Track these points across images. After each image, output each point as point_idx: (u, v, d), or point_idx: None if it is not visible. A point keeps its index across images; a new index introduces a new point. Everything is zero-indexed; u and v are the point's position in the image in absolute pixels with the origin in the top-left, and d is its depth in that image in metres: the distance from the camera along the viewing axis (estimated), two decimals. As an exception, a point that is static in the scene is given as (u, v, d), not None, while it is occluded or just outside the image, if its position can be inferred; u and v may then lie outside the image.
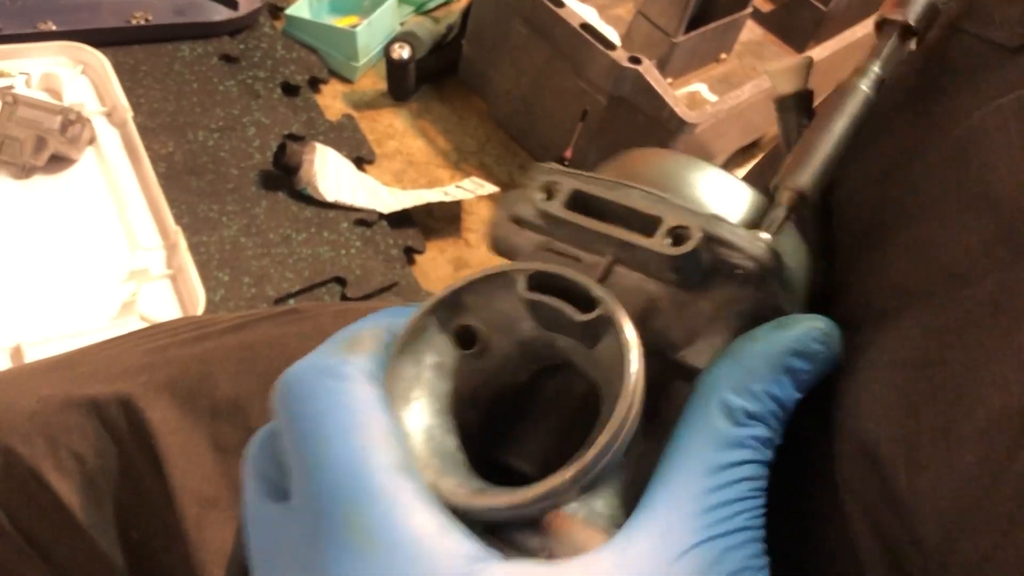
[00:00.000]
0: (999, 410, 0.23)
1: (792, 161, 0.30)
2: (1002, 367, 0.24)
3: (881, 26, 0.32)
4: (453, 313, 0.29)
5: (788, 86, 0.33)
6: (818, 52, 1.53)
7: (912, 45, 0.32)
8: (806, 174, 0.29)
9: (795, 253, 0.30)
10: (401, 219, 1.47)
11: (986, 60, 0.30)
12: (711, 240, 0.27)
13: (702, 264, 0.27)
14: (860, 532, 0.27)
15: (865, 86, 0.30)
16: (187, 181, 1.40)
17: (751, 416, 0.25)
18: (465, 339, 0.30)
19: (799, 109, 0.33)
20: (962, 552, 0.23)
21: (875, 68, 0.31)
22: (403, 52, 1.60)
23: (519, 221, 0.31)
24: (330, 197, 1.43)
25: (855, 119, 0.30)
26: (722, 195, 0.30)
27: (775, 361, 0.26)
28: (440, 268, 1.46)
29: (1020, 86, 0.28)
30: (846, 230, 0.33)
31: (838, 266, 0.33)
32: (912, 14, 0.31)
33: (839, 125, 0.30)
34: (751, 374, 0.25)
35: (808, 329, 0.26)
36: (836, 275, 0.33)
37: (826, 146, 0.29)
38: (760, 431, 0.25)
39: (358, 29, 1.62)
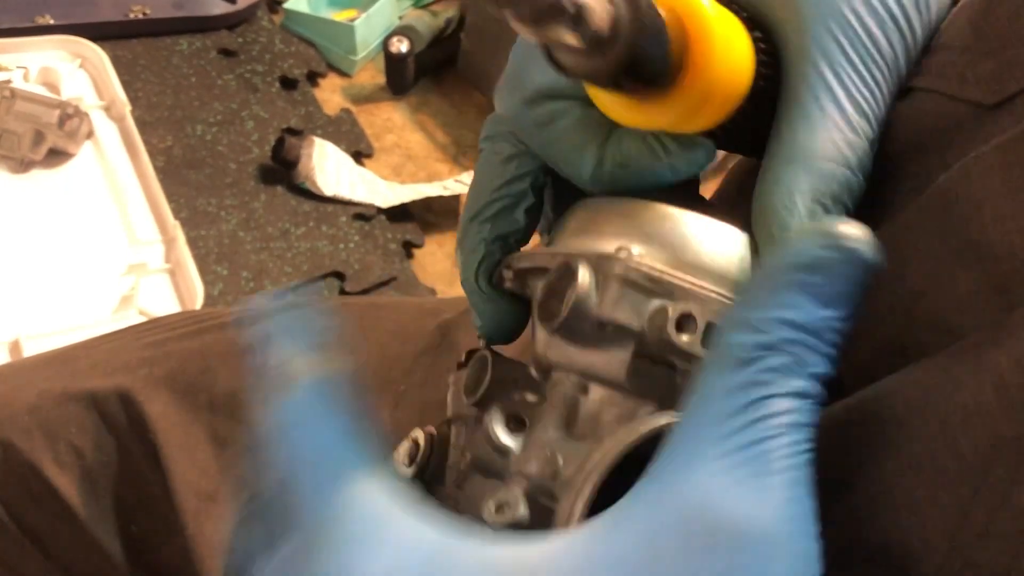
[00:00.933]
0: (989, 444, 0.23)
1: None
2: (986, 398, 0.24)
3: None
4: None
5: None
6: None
7: None
8: None
9: (702, 233, 0.29)
10: (400, 213, 1.47)
11: (961, 119, 0.30)
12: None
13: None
14: None
15: None
16: (185, 175, 1.40)
17: (762, 347, 0.23)
18: None
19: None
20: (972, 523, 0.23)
21: None
22: (402, 46, 1.60)
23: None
24: (328, 191, 1.43)
25: None
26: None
27: (773, 283, 0.23)
28: (439, 262, 1.47)
29: (999, 135, 0.28)
30: None
31: None
32: None
33: None
34: (749, 305, 0.23)
35: (809, 241, 0.23)
36: None
37: None
38: (776, 360, 0.23)
39: (356, 23, 1.62)
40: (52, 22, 1.46)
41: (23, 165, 1.27)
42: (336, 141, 1.51)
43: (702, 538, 0.21)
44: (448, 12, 1.75)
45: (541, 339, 0.30)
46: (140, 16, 1.55)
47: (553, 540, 0.23)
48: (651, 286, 0.27)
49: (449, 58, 1.74)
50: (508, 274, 0.33)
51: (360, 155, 1.55)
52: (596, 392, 0.28)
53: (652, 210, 0.29)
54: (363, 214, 1.44)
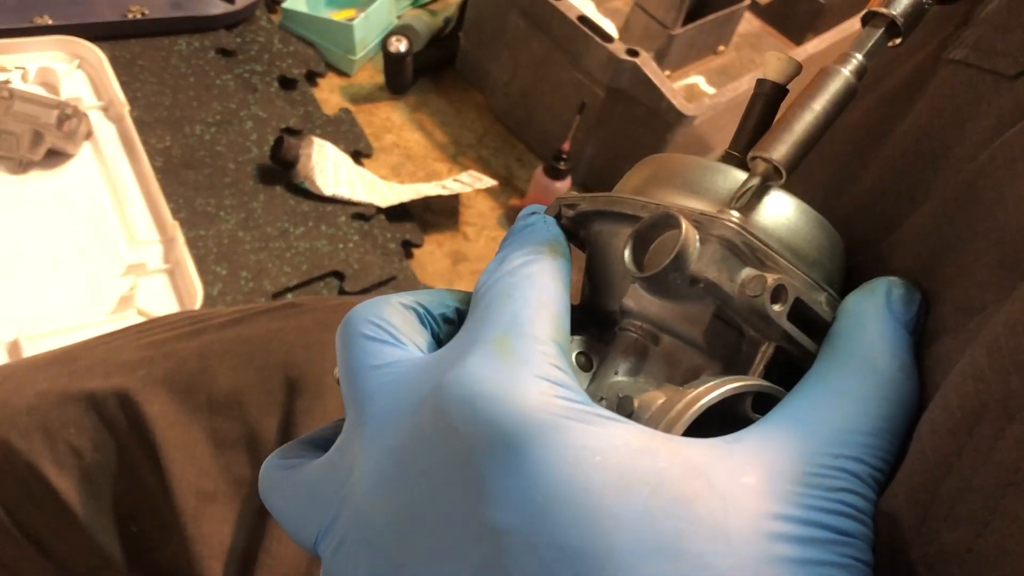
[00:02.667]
0: (976, 401, 0.24)
1: (769, 135, 0.30)
2: (975, 357, 0.24)
3: (867, 19, 0.32)
4: None
5: (776, 75, 0.33)
6: (815, 44, 1.53)
7: (897, 42, 0.32)
8: (782, 146, 0.29)
9: (796, 217, 0.30)
10: (399, 213, 1.47)
11: (984, 91, 0.31)
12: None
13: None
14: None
15: (847, 71, 0.31)
16: (184, 175, 1.40)
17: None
18: None
19: (770, 99, 0.34)
20: (945, 543, 0.23)
21: (858, 56, 0.31)
22: (400, 45, 1.60)
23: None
24: (328, 191, 1.43)
25: (835, 101, 0.31)
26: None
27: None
28: (438, 262, 1.46)
29: (1021, 115, 0.28)
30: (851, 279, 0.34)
31: None
32: (898, 7, 0.31)
33: (819, 104, 0.30)
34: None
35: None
36: None
37: (804, 122, 0.30)
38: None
39: (355, 22, 1.62)
40: (50, 22, 1.46)
41: (22, 166, 1.27)
42: (335, 141, 1.51)
43: None
44: (447, 11, 1.75)
45: (614, 285, 0.31)
46: (138, 16, 1.55)
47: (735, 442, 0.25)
48: (747, 252, 0.28)
49: (448, 58, 1.74)
50: (569, 212, 0.33)
51: (359, 155, 1.55)
52: (667, 343, 0.30)
53: (754, 167, 0.30)
54: (362, 214, 1.44)
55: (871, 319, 0.27)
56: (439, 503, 0.24)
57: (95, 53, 1.41)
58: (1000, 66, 0.30)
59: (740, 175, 0.30)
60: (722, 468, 0.23)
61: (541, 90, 1.58)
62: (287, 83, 1.60)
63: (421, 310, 0.31)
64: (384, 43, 1.61)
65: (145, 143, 1.35)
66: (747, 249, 0.28)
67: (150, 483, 0.51)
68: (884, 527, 0.25)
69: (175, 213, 1.29)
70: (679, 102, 1.37)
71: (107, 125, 1.37)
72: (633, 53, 1.39)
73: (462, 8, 1.71)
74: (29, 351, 1.08)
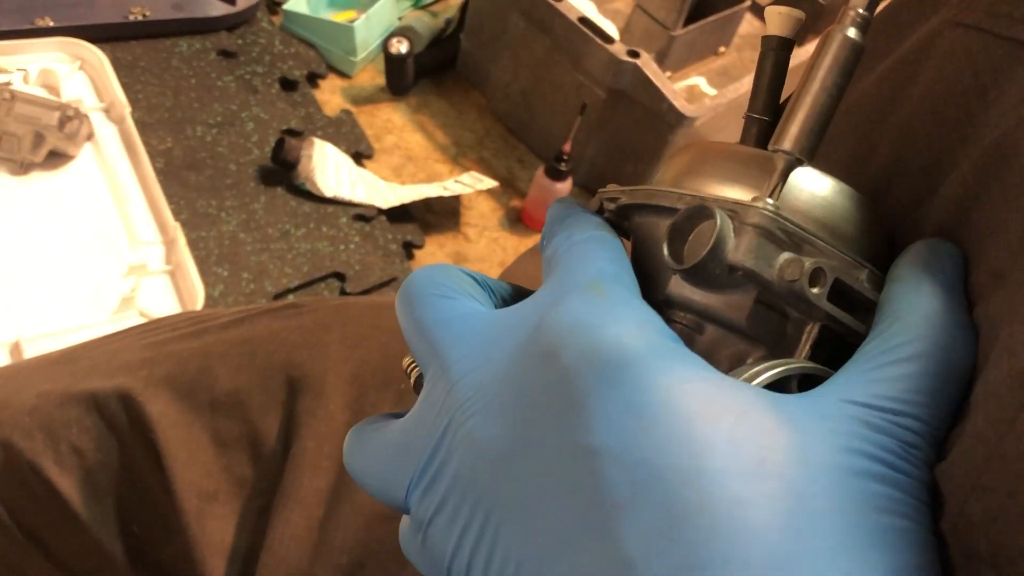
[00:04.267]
0: (1007, 372, 0.24)
1: (784, 121, 0.30)
2: (1013, 331, 0.25)
3: None
4: None
5: (779, 29, 0.33)
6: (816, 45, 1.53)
7: None
8: (799, 134, 0.29)
9: (831, 195, 0.30)
10: (400, 214, 1.47)
11: (1003, 59, 0.31)
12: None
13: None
14: None
15: (851, 33, 0.30)
16: (185, 177, 1.40)
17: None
18: None
19: (778, 55, 0.34)
20: (971, 513, 0.24)
21: (859, 9, 0.30)
22: (401, 47, 1.60)
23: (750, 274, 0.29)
24: (329, 192, 1.43)
25: (843, 69, 0.30)
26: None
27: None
28: (439, 263, 1.46)
29: None
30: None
31: None
32: None
33: (828, 76, 0.30)
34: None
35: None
36: None
37: (815, 102, 0.30)
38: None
39: (356, 24, 1.62)
40: (52, 24, 1.46)
41: (23, 167, 1.27)
42: (336, 142, 1.51)
43: None
44: (448, 13, 1.75)
45: (657, 277, 0.31)
46: (140, 18, 1.55)
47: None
48: (783, 237, 0.28)
49: (449, 59, 1.74)
50: (610, 205, 0.33)
51: (360, 156, 1.55)
52: (711, 332, 0.30)
53: (774, 162, 0.30)
54: (363, 215, 1.44)
55: (920, 282, 0.28)
56: (539, 427, 0.25)
57: (96, 55, 1.41)
58: (1019, 33, 0.30)
59: (773, 160, 0.30)
60: (796, 406, 0.25)
61: (542, 91, 1.58)
62: (288, 84, 1.60)
63: (480, 278, 0.32)
64: (385, 44, 1.61)
65: (146, 144, 1.35)
66: (783, 234, 0.28)
67: (152, 483, 0.51)
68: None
69: (176, 214, 1.29)
70: (680, 103, 1.37)
71: (108, 126, 1.37)
72: (634, 54, 1.39)
73: (463, 9, 1.71)
74: (30, 352, 1.08)
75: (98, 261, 1.22)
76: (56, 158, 1.29)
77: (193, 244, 1.28)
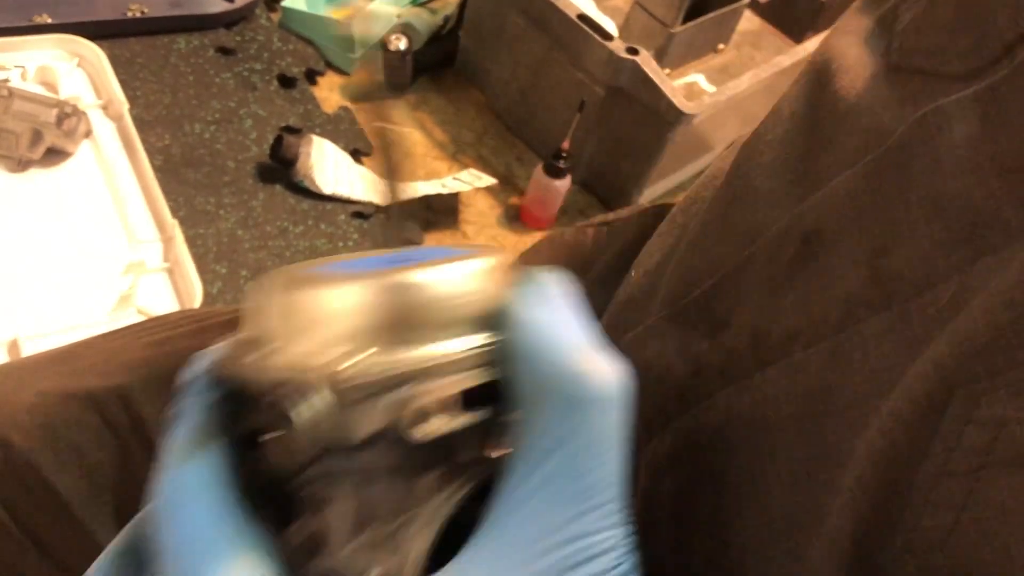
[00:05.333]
0: (940, 384, 0.24)
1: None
2: (941, 348, 0.25)
3: None
4: None
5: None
6: (815, 42, 1.53)
7: None
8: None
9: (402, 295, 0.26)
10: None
11: (929, 91, 0.31)
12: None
13: None
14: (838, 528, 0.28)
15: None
16: (184, 174, 1.40)
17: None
18: None
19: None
20: (925, 528, 0.24)
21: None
22: (400, 44, 1.60)
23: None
24: (327, 189, 1.43)
25: None
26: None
27: None
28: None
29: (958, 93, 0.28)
30: (764, 255, 0.33)
31: (747, 288, 0.33)
32: None
33: None
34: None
35: None
36: (750, 299, 0.33)
37: None
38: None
39: (354, 21, 1.62)
40: (50, 21, 1.46)
41: (21, 164, 1.26)
42: (335, 139, 1.50)
43: None
44: (446, 10, 1.74)
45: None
46: (138, 15, 1.55)
47: None
48: (381, 382, 0.25)
49: (448, 56, 1.74)
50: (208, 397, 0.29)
51: (358, 153, 1.55)
52: (371, 489, 0.26)
53: (349, 288, 0.26)
54: (362, 212, 1.44)
55: (534, 358, 0.25)
56: None
57: (95, 52, 1.41)
58: (951, 68, 0.30)
59: (344, 295, 0.26)
60: None
61: (541, 88, 1.58)
62: (287, 81, 1.60)
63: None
64: (384, 41, 1.60)
65: (144, 142, 1.35)
66: (376, 383, 0.25)
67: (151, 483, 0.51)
68: (864, 517, 0.25)
69: (174, 212, 1.29)
70: (679, 100, 1.37)
71: (106, 124, 1.36)
72: (633, 51, 1.39)
73: (461, 6, 1.71)
74: (28, 351, 1.08)
75: (96, 259, 1.22)
76: (54, 155, 1.28)
77: (191, 241, 1.28)
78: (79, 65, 1.42)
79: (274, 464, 0.26)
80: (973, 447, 0.23)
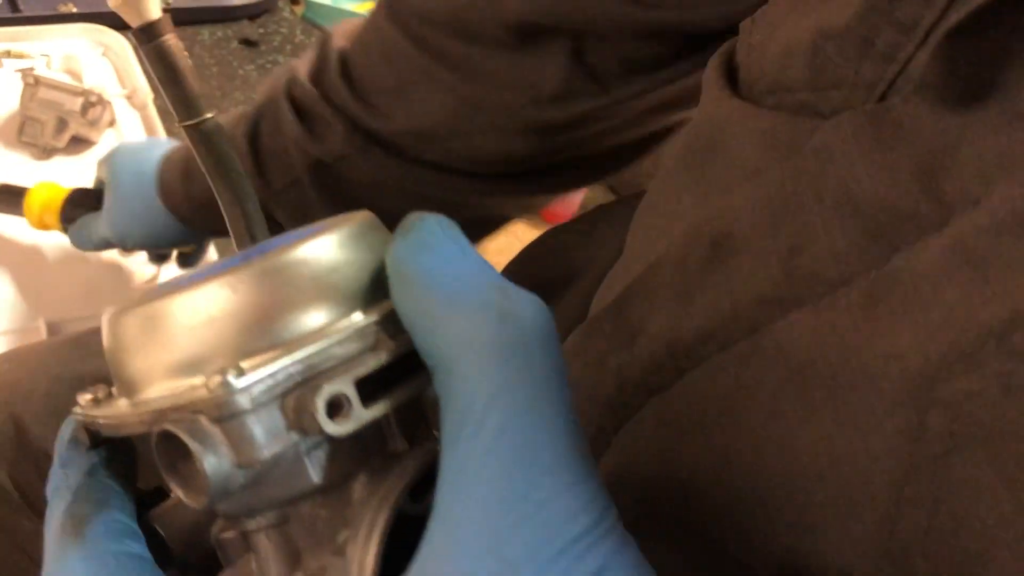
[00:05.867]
0: (902, 378, 0.24)
1: None
2: (897, 340, 0.24)
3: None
4: None
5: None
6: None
7: None
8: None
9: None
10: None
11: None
12: None
13: None
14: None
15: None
16: (206, 164, 1.40)
17: None
18: None
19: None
20: (901, 532, 0.23)
21: None
22: (422, 37, 1.60)
23: None
24: (347, 182, 1.43)
25: None
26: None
27: None
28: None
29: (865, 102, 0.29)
30: (671, 260, 0.33)
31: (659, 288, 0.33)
32: None
33: None
34: None
35: None
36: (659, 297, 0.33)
37: None
38: None
39: (378, 14, 1.62)
40: (75, 10, 1.47)
41: (46, 152, 1.27)
42: (356, 132, 1.51)
43: None
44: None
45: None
46: (163, 6, 1.55)
47: None
48: (272, 390, 0.22)
49: (470, 50, 1.74)
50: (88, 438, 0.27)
51: (379, 146, 1.55)
52: (299, 511, 0.24)
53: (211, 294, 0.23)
54: (381, 205, 1.45)
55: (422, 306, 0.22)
56: None
57: (120, 41, 1.41)
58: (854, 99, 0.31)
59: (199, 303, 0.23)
60: None
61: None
62: (309, 74, 1.60)
63: None
64: (406, 35, 1.61)
65: (168, 132, 1.36)
66: (261, 398, 0.22)
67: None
68: (851, 525, 0.25)
69: (196, 202, 1.29)
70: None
71: (131, 113, 1.37)
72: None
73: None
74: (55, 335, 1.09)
75: (118, 247, 1.23)
76: (78, 144, 1.29)
77: (212, 231, 1.28)
78: (104, 54, 1.43)
79: (179, 517, 0.25)
80: (938, 432, 0.23)
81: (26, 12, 1.43)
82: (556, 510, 0.21)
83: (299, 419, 0.22)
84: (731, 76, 0.36)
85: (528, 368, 0.21)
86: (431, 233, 0.23)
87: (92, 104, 1.27)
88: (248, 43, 1.59)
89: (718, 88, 0.35)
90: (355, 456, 0.24)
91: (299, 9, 1.69)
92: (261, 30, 1.62)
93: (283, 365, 0.22)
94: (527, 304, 0.22)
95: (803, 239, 0.28)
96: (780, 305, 0.28)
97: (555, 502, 0.21)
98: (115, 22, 1.47)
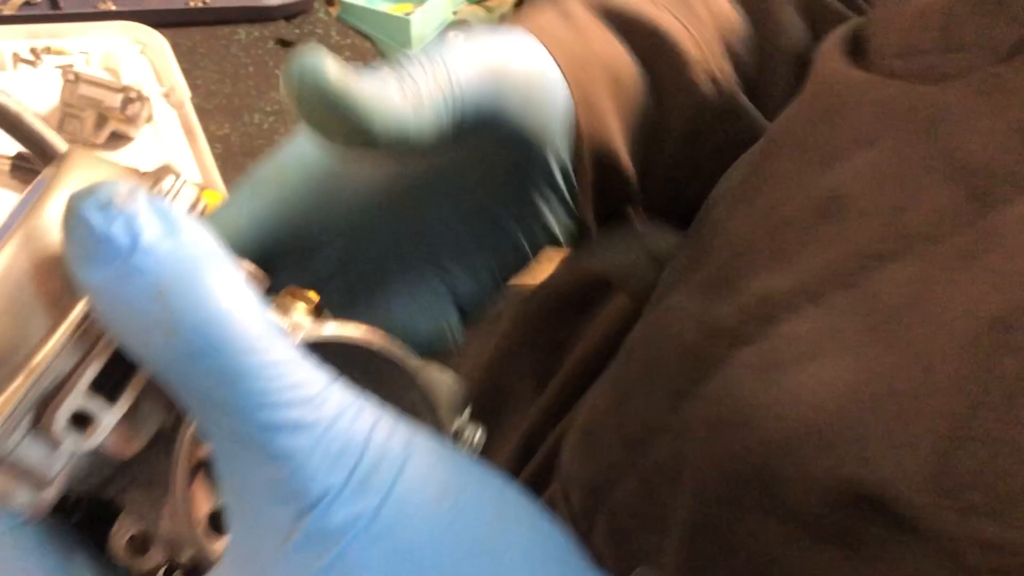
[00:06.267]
0: (978, 321, 0.25)
1: None
2: (981, 289, 0.25)
3: None
4: None
5: None
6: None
7: None
8: None
9: None
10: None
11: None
12: None
13: None
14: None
15: None
16: (242, 163, 1.40)
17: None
18: None
19: None
20: (956, 466, 0.24)
21: None
22: (458, 40, 1.60)
23: None
24: (383, 183, 1.43)
25: None
26: None
27: None
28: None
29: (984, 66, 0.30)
30: (783, 224, 0.34)
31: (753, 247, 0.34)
32: None
33: None
34: None
35: None
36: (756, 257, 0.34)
37: None
38: None
39: (412, 17, 1.62)
40: (114, 8, 1.48)
41: (85, 147, 1.28)
42: (390, 133, 1.51)
43: None
44: (502, 8, 1.74)
45: None
46: (200, 5, 1.56)
47: None
48: (13, 441, 0.21)
49: (503, 54, 1.74)
50: None
51: (413, 148, 1.56)
52: (135, 471, 0.24)
53: None
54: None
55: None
56: None
57: (158, 39, 1.42)
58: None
59: None
60: None
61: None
62: (344, 75, 1.60)
63: None
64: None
65: (204, 130, 1.36)
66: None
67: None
68: (905, 456, 0.25)
69: (233, 200, 1.29)
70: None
71: (168, 111, 1.37)
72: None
73: (517, 5, 1.71)
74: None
75: (155, 243, 1.23)
76: (116, 140, 1.29)
77: (248, 230, 1.29)
78: (142, 52, 1.43)
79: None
80: (1011, 375, 0.24)
81: (66, 9, 1.44)
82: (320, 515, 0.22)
83: (58, 440, 0.21)
84: (852, 51, 0.36)
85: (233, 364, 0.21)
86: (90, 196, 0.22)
87: (131, 100, 1.27)
88: (284, 43, 1.59)
89: (839, 62, 0.36)
90: (144, 420, 0.23)
91: (335, 10, 1.69)
92: (297, 31, 1.63)
93: (14, 403, 0.20)
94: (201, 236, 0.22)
95: (908, 200, 0.29)
96: (879, 260, 0.29)
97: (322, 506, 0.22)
98: (153, 21, 1.48)
